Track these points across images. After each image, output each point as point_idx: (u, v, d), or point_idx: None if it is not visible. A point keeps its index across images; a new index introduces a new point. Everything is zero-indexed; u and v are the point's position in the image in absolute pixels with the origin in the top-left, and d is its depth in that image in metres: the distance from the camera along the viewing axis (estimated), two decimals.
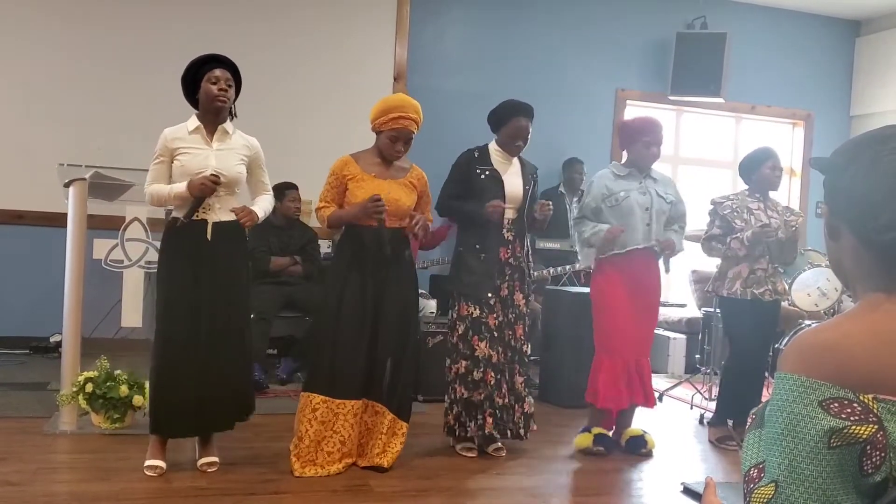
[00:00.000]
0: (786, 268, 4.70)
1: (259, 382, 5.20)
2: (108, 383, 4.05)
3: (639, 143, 4.25)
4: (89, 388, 4.02)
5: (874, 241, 1.07)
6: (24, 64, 6.24)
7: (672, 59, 7.50)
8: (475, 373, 4.00)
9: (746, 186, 4.63)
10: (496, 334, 4.03)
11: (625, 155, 4.43)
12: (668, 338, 6.85)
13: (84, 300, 4.17)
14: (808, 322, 5.73)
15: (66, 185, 4.13)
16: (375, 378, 3.73)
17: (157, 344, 3.56)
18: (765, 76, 8.01)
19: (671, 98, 7.64)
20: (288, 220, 5.79)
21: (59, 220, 4.86)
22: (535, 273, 5.91)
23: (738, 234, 4.44)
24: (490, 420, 4.01)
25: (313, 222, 6.05)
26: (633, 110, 7.73)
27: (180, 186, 3.47)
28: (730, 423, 4.64)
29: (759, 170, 4.54)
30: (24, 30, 6.25)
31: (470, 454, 4.05)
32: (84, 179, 4.14)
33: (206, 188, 3.43)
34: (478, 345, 4.00)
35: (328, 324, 3.73)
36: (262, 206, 3.72)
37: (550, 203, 4.16)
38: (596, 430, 4.24)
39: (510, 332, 4.08)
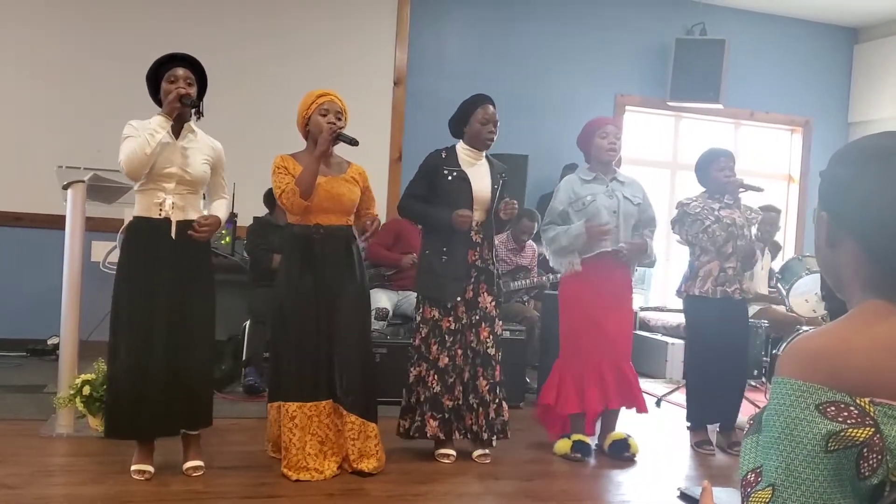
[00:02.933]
0: (749, 270, 4.70)
1: (255, 386, 5.20)
2: (105, 386, 4.03)
3: (594, 139, 4.27)
4: (86, 390, 4.00)
5: (883, 253, 1.08)
6: (23, 66, 6.25)
7: (671, 65, 7.52)
8: (429, 376, 3.98)
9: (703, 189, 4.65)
10: (448, 337, 3.99)
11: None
12: (666, 343, 6.85)
13: (82, 302, 4.16)
14: (805, 328, 5.73)
15: (65, 188, 4.13)
16: (337, 379, 3.70)
17: (115, 346, 3.49)
18: (763, 82, 8.03)
19: (670, 104, 7.66)
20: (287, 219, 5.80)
21: (57, 222, 4.85)
22: (535, 279, 5.94)
23: (708, 230, 4.44)
24: (434, 423, 3.98)
25: None
26: (633, 115, 7.75)
27: (156, 120, 3.41)
28: (716, 427, 4.65)
29: (709, 173, 4.57)
30: (23, 32, 6.25)
31: (447, 461, 4.02)
32: (83, 182, 4.13)
33: (174, 100, 3.39)
34: (432, 347, 3.99)
35: (285, 328, 3.71)
36: (222, 212, 3.67)
37: (515, 202, 4.09)
38: (575, 436, 4.22)
39: (472, 334, 4.04)
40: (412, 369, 4.03)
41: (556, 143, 7.13)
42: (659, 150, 8.08)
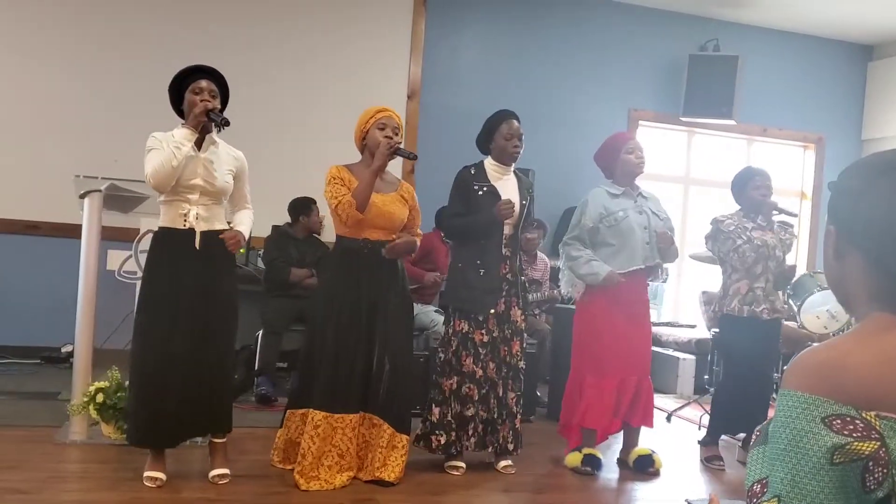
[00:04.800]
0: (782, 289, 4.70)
1: (268, 395, 5.22)
2: (118, 394, 4.06)
3: (620, 154, 4.28)
4: (100, 398, 4.03)
5: (890, 267, 1.09)
6: (42, 76, 6.33)
7: (685, 81, 7.54)
8: (463, 388, 4.01)
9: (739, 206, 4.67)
10: (481, 350, 4.02)
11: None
12: (678, 358, 6.84)
13: (96, 311, 4.20)
14: (816, 344, 5.70)
15: (82, 197, 4.17)
16: (372, 391, 3.73)
17: (138, 354, 3.53)
18: (777, 99, 8.03)
19: (683, 119, 7.67)
20: (306, 232, 5.86)
21: (73, 231, 4.91)
22: (547, 292, 5.95)
23: (739, 249, 4.45)
24: (473, 436, 4.02)
25: (325, 237, 6.12)
26: (646, 130, 7.76)
27: (180, 132, 3.46)
28: (728, 440, 4.65)
29: (745, 191, 4.58)
30: (42, 42, 6.33)
31: (457, 472, 4.04)
32: (100, 191, 4.17)
33: (201, 114, 3.43)
34: (465, 360, 4.01)
35: (324, 338, 3.74)
36: (247, 225, 3.72)
37: (536, 237, 4.14)
38: (586, 450, 4.23)
39: (505, 348, 4.08)
40: (444, 382, 4.04)
41: (567, 156, 7.15)
42: (671, 166, 8.08)
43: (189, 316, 3.51)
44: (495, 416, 4.06)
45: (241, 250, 5.75)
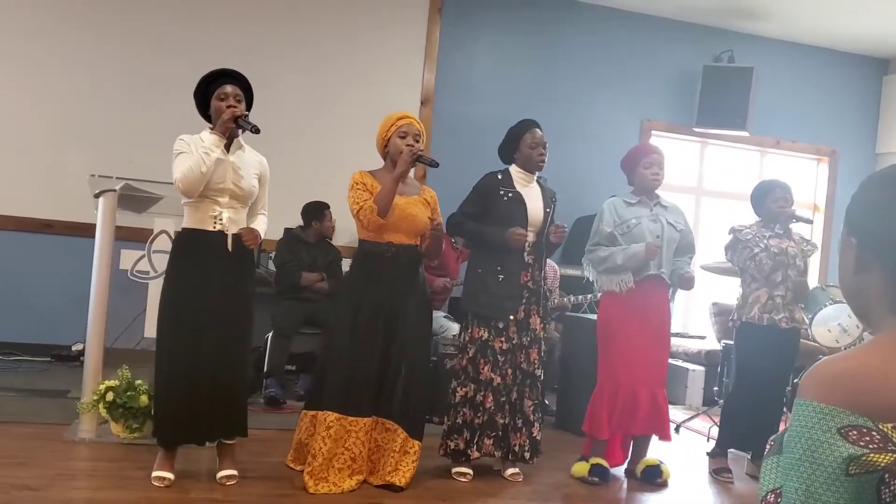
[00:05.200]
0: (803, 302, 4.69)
1: (276, 398, 5.23)
2: (128, 393, 4.08)
3: (638, 167, 4.31)
4: (110, 396, 4.05)
5: None
6: (58, 77, 6.37)
7: (698, 92, 7.53)
8: (478, 396, 4.01)
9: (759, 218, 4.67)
10: (500, 358, 4.02)
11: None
12: (687, 369, 6.81)
13: (108, 310, 4.21)
14: (833, 355, 5.67)
15: (97, 196, 4.19)
16: (386, 395, 3.74)
17: (162, 352, 3.56)
18: (791, 111, 8.01)
19: (696, 130, 7.66)
20: (318, 237, 5.87)
21: (87, 230, 4.94)
22: (556, 301, 5.94)
23: (756, 257, 4.46)
24: (489, 442, 4.00)
25: (336, 241, 6.14)
26: (658, 141, 7.75)
27: (209, 138, 3.49)
28: (738, 454, 4.63)
29: (764, 203, 4.59)
30: (59, 44, 6.38)
31: (464, 479, 4.03)
32: (114, 191, 4.19)
33: (230, 121, 3.47)
34: (482, 368, 4.01)
35: (341, 340, 3.75)
36: (262, 226, 3.75)
37: (565, 226, 4.15)
38: (594, 459, 4.22)
39: (523, 356, 4.08)
40: (458, 389, 4.05)
41: (580, 166, 7.15)
42: (684, 176, 8.07)
43: (214, 317, 3.54)
44: (507, 421, 4.06)
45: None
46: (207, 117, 3.64)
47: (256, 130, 3.51)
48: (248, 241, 3.59)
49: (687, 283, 4.27)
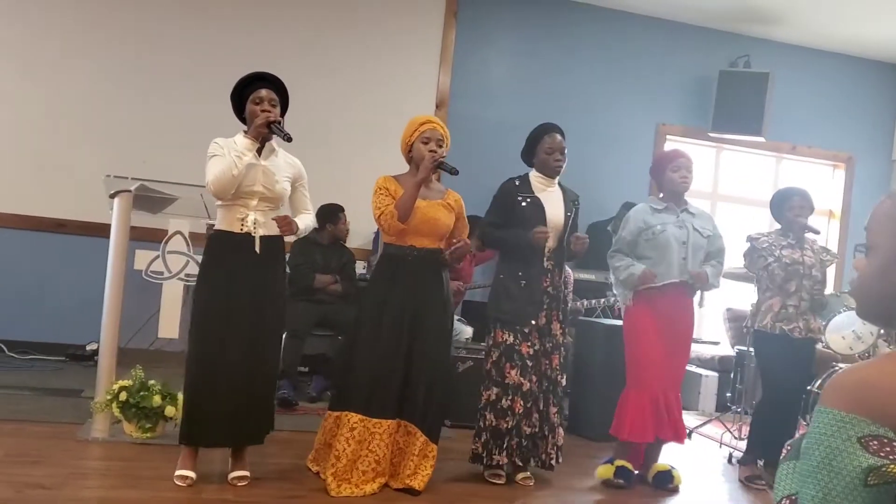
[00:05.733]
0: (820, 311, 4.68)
1: (288, 399, 5.24)
2: (141, 393, 4.10)
3: (667, 171, 4.30)
4: (123, 396, 4.07)
5: None
6: (74, 78, 6.41)
7: (714, 97, 7.50)
8: (504, 400, 4.00)
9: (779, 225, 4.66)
10: (529, 363, 4.02)
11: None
12: (700, 375, 6.78)
13: (122, 310, 4.23)
14: (841, 365, 5.64)
15: (112, 197, 4.21)
16: (409, 398, 3.74)
17: (194, 354, 3.60)
18: (807, 117, 7.97)
19: (711, 135, 7.63)
20: (332, 240, 5.88)
21: (101, 230, 4.96)
22: (570, 305, 5.92)
23: (769, 267, 4.45)
24: (516, 448, 4.00)
25: (350, 244, 6.14)
26: (673, 145, 7.72)
27: (242, 142, 3.52)
28: (760, 462, 4.59)
29: (782, 211, 4.58)
30: (74, 44, 6.42)
31: (498, 481, 4.04)
32: (129, 192, 4.21)
33: (262, 126, 3.51)
34: (509, 372, 4.01)
35: (366, 342, 3.76)
36: (304, 221, 3.79)
37: (587, 237, 4.14)
38: (619, 462, 4.21)
39: (546, 362, 4.08)
40: (483, 393, 4.07)
41: (595, 169, 7.13)
42: (699, 181, 8.02)
43: (243, 319, 3.56)
44: (536, 430, 4.05)
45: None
46: (243, 119, 3.67)
47: (289, 139, 3.56)
48: (283, 228, 3.62)
49: (697, 279, 4.23)
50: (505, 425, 3.98)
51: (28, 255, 6.32)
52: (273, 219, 3.61)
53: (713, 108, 7.51)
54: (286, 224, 3.62)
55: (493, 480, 4.04)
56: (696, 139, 7.78)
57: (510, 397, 3.99)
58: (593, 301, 5.96)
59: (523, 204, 4.08)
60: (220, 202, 3.63)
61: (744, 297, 4.92)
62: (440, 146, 3.84)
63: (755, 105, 7.39)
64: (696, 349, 7.24)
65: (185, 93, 6.46)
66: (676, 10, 7.41)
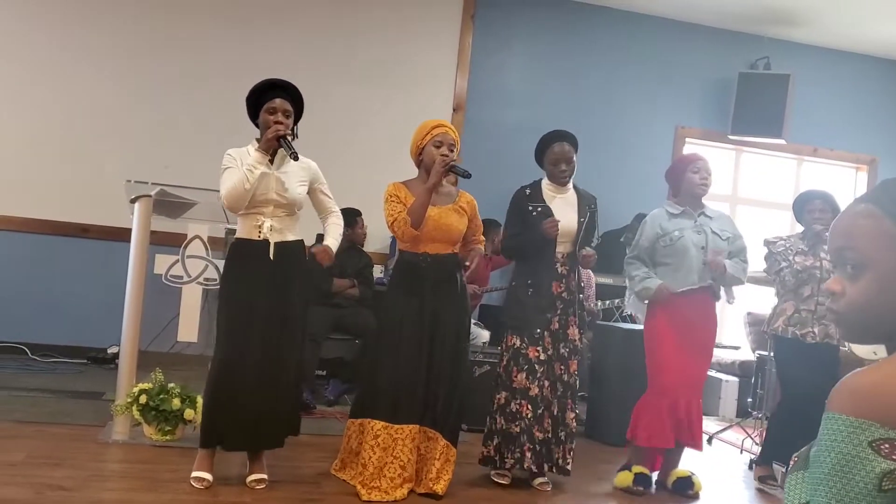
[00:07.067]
0: None
1: (307, 403, 5.25)
2: (161, 396, 4.13)
3: (686, 172, 4.27)
4: (143, 399, 4.10)
5: None
6: (96, 84, 6.47)
7: (734, 99, 7.46)
8: (512, 404, 3.99)
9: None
10: (537, 367, 4.01)
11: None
12: (721, 380, 6.74)
13: (142, 314, 4.26)
14: (862, 367, 5.58)
15: (133, 201, 4.25)
16: (430, 403, 3.74)
17: (216, 359, 3.63)
18: (828, 119, 7.90)
19: (731, 137, 7.58)
20: (349, 244, 5.89)
21: (122, 234, 5.01)
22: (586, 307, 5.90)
23: (781, 272, 4.45)
24: (529, 454, 3.98)
25: (368, 248, 6.15)
26: (692, 148, 7.68)
27: (254, 154, 3.56)
28: (776, 466, 4.56)
29: (802, 214, 4.56)
30: (95, 50, 6.48)
31: (503, 481, 4.03)
32: (150, 196, 4.24)
33: (273, 140, 3.53)
34: (516, 376, 4.00)
35: (387, 349, 3.77)
36: (334, 234, 3.84)
37: (594, 253, 4.11)
38: (637, 468, 4.18)
39: (562, 367, 4.06)
40: (494, 396, 4.09)
41: (614, 174, 7.11)
42: (718, 184, 7.98)
43: (264, 324, 3.59)
44: (550, 435, 4.04)
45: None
46: (258, 123, 3.70)
47: (295, 157, 3.57)
48: (321, 259, 3.72)
49: (714, 266, 4.16)
50: (516, 429, 3.97)
51: (51, 260, 6.38)
52: (311, 252, 3.70)
53: (733, 110, 7.46)
54: (324, 256, 3.71)
55: (499, 480, 4.04)
56: (715, 142, 7.74)
57: (518, 401, 3.99)
58: (607, 302, 5.93)
59: (533, 213, 4.08)
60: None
61: (765, 301, 4.88)
62: (452, 150, 3.83)
63: (776, 107, 7.34)
64: (717, 354, 7.18)
65: (207, 99, 6.50)
66: (695, 11, 7.38)
